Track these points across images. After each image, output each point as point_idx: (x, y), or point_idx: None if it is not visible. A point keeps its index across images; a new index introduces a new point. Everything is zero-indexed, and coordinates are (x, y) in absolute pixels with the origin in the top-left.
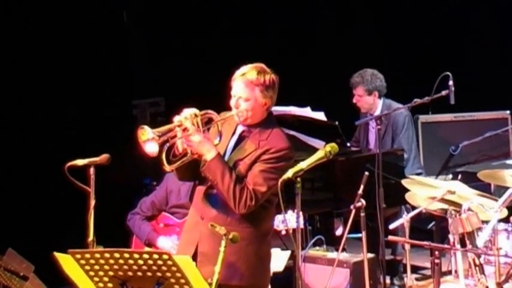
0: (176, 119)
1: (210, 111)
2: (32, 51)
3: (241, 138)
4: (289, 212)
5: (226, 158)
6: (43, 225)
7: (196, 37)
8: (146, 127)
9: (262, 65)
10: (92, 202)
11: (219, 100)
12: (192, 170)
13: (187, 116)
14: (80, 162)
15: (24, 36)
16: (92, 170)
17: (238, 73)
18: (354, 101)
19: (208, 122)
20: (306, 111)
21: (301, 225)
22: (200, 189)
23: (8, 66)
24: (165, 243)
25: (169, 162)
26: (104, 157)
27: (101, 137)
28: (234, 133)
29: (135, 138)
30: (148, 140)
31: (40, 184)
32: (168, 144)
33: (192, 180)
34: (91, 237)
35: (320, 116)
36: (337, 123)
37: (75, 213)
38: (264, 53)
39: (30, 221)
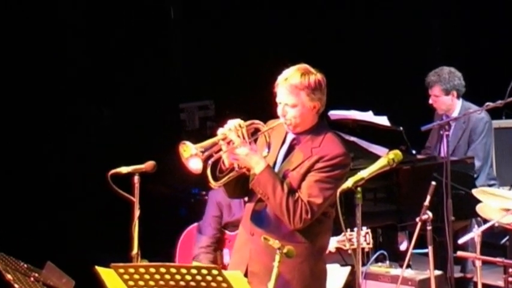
0: (220, 131)
1: (255, 121)
2: (72, 50)
3: (291, 148)
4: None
5: (276, 169)
6: (84, 237)
7: (247, 34)
8: (188, 143)
9: (306, 66)
10: (137, 212)
11: (273, 102)
12: (242, 186)
13: (231, 127)
14: (123, 169)
15: (64, 35)
16: (136, 178)
17: (280, 78)
18: (430, 101)
19: (254, 133)
20: (368, 116)
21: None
22: (249, 206)
23: (44, 66)
24: None
25: (216, 179)
26: (149, 164)
27: (146, 143)
28: (283, 143)
29: (177, 154)
30: (192, 156)
31: (81, 193)
32: (212, 159)
33: (243, 196)
34: (135, 250)
35: (383, 120)
36: (401, 128)
37: (118, 225)
38: (319, 52)
39: (70, 233)
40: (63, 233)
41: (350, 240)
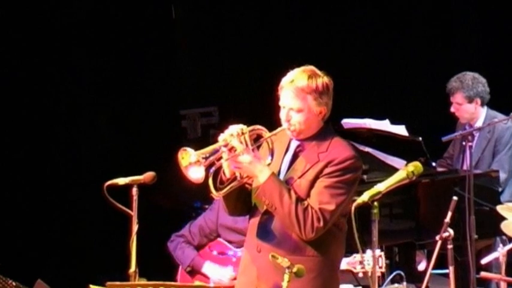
0: (221, 137)
1: (258, 126)
2: (68, 53)
3: (296, 155)
4: (368, 251)
5: (281, 178)
6: (78, 253)
7: (254, 36)
8: (189, 149)
9: (312, 68)
10: (135, 227)
11: (277, 106)
12: (243, 201)
13: (233, 133)
14: (121, 181)
15: (62, 36)
16: (134, 190)
17: (285, 80)
18: (452, 109)
19: (256, 139)
20: (384, 125)
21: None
22: (254, 221)
23: (40, 72)
24: (213, 270)
25: (217, 190)
26: (148, 175)
27: (144, 152)
28: (287, 150)
29: (177, 162)
30: (191, 164)
31: (75, 206)
32: (214, 168)
33: (244, 213)
34: (133, 267)
35: (400, 130)
36: (420, 138)
37: (115, 240)
38: (330, 55)
39: (63, 248)
40: (56, 248)
41: (361, 262)
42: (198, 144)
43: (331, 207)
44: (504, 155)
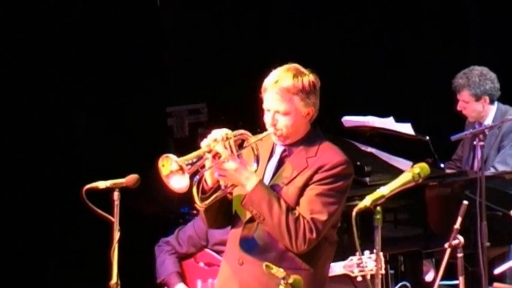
0: (204, 143)
1: (242, 131)
2: (49, 48)
3: (282, 161)
4: (366, 252)
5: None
6: (54, 263)
7: (246, 31)
8: (171, 156)
9: (297, 66)
10: (116, 235)
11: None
12: (224, 213)
13: (217, 138)
14: (101, 184)
15: (45, 32)
16: (116, 195)
17: (269, 81)
18: (459, 108)
19: (241, 145)
20: (389, 123)
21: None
22: (235, 232)
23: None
24: None
25: (200, 200)
26: (131, 178)
27: (127, 153)
28: (271, 155)
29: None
30: (172, 172)
31: (53, 212)
32: (198, 177)
33: (223, 226)
34: (114, 279)
35: (406, 128)
36: (428, 137)
37: (95, 249)
38: (328, 51)
39: (38, 257)
40: (32, 259)
41: (359, 265)
42: (185, 144)
43: (324, 217)
44: (509, 150)
